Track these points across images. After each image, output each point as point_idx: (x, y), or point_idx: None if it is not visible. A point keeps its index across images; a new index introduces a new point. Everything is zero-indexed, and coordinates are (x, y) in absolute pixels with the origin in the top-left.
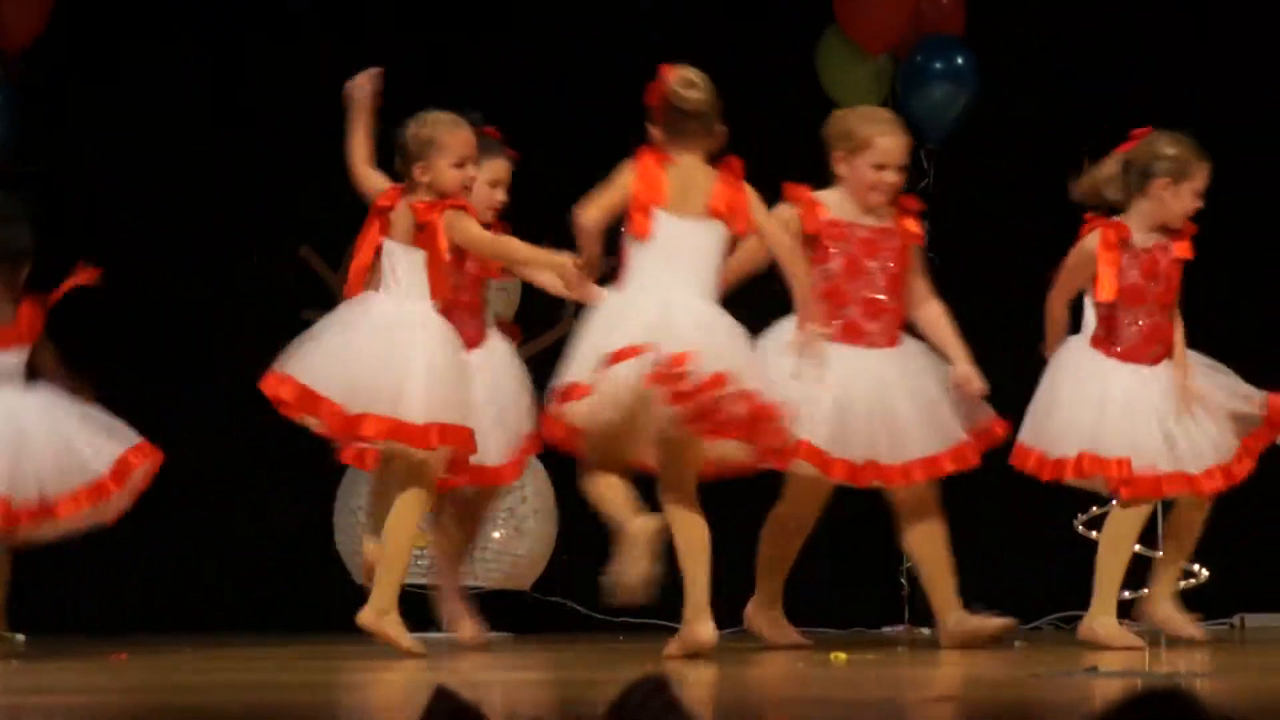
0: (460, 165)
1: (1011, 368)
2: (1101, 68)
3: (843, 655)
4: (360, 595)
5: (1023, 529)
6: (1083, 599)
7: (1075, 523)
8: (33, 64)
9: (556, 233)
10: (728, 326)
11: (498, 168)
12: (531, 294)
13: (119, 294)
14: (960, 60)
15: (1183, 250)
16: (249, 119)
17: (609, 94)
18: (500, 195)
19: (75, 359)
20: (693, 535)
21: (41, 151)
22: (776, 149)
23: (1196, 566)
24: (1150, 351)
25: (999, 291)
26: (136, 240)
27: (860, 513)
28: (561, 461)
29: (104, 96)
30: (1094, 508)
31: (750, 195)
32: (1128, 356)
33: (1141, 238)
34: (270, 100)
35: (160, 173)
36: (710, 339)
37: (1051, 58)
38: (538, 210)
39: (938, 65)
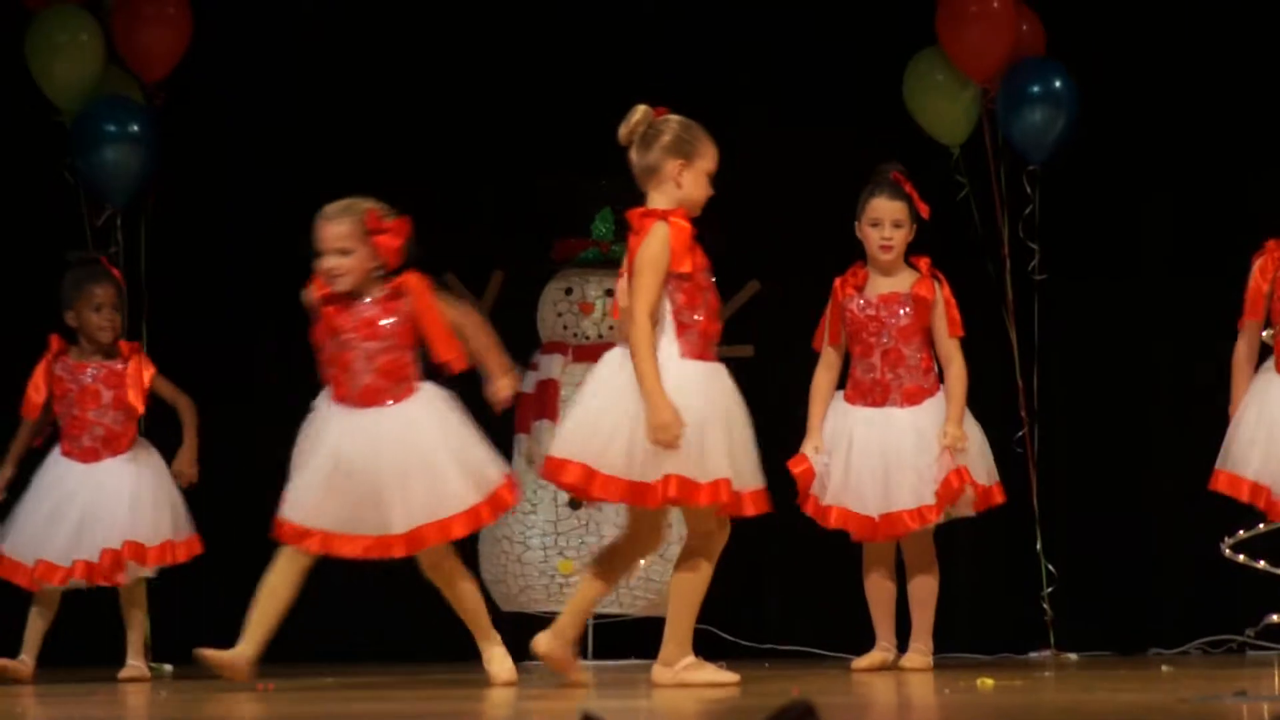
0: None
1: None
2: (1197, 81)
3: (990, 681)
4: (502, 623)
5: (1170, 553)
6: (1228, 623)
7: (1222, 546)
8: (172, 92)
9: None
10: None
11: None
12: None
13: (261, 317)
14: (1058, 83)
15: None
16: (387, 147)
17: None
18: None
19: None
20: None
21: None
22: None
23: None
24: None
25: (1108, 311)
26: (275, 271)
27: (1003, 539)
28: None
29: (242, 123)
30: (1240, 531)
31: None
32: None
33: None
34: (407, 128)
35: (297, 198)
36: None
37: (1143, 76)
38: None
39: (1035, 89)
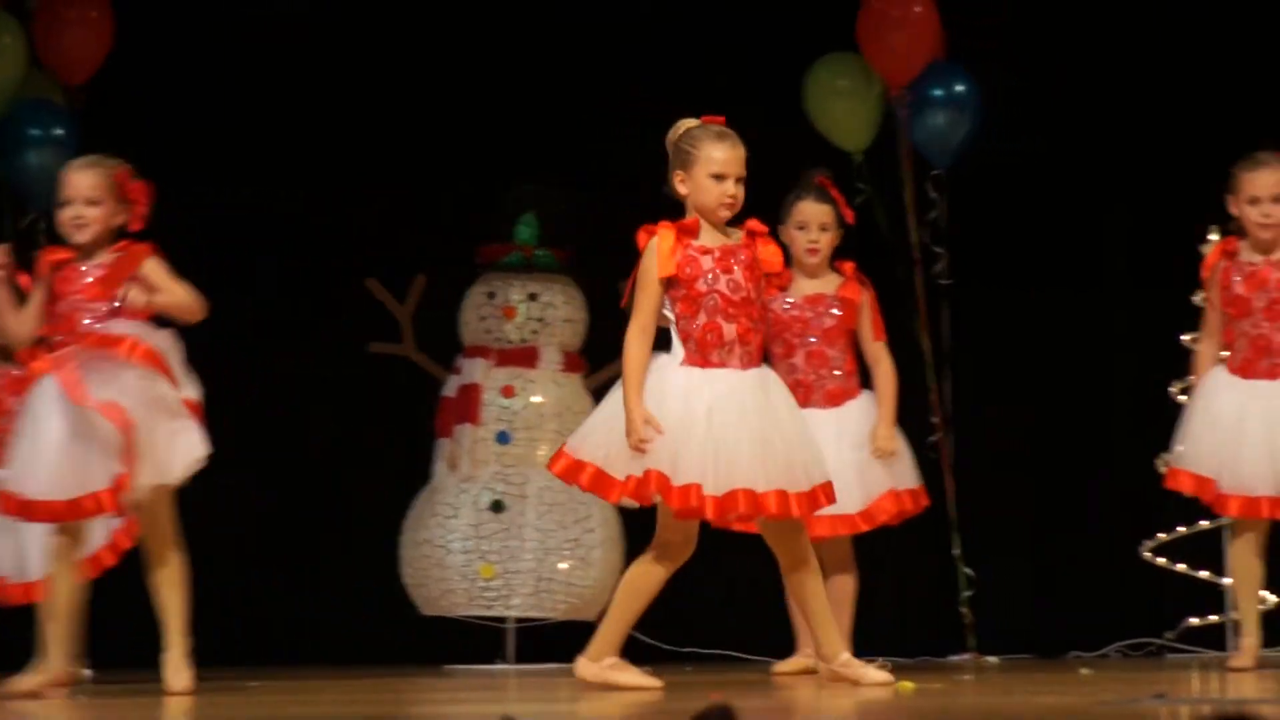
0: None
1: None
2: (1105, 83)
3: (909, 684)
4: (423, 626)
5: (1089, 557)
6: (1148, 626)
7: (1142, 549)
8: (94, 95)
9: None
10: None
11: None
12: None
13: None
14: (961, 87)
15: None
16: (310, 149)
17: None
18: None
19: None
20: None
21: None
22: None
23: (1267, 594)
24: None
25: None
26: (195, 271)
27: (921, 543)
28: None
29: (163, 127)
30: (1160, 534)
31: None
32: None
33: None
34: (330, 131)
35: (220, 202)
36: None
37: (1048, 79)
38: None
39: (939, 93)
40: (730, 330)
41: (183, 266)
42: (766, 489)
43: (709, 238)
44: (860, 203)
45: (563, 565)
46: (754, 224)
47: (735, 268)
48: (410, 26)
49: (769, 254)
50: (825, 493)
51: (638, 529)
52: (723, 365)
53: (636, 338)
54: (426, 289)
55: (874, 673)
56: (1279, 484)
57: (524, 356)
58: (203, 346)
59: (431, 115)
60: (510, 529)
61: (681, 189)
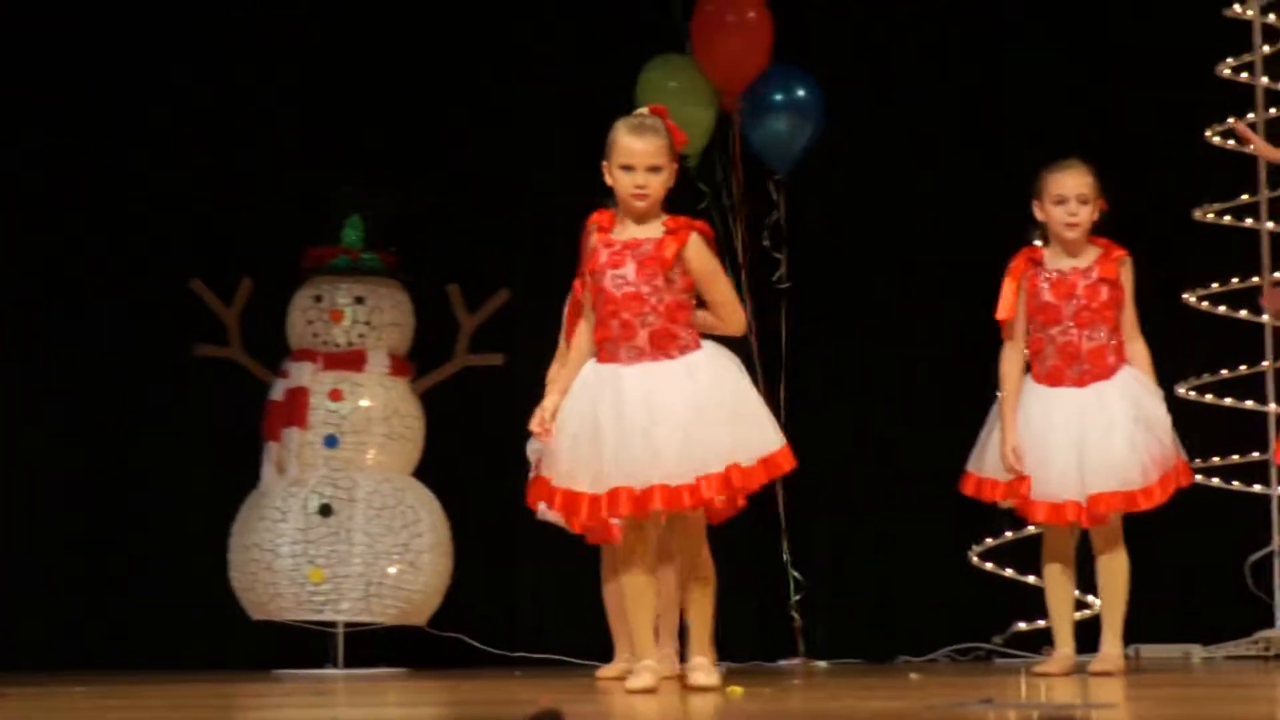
0: None
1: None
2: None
3: (738, 689)
4: (251, 631)
5: (918, 561)
6: (976, 630)
7: (970, 554)
8: None
9: None
10: None
11: None
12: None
13: (54, 332)
14: (802, 92)
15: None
16: (137, 147)
17: None
18: None
19: None
20: None
21: None
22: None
23: (1090, 598)
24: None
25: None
26: (17, 271)
27: (750, 547)
28: (456, 496)
29: None
30: (988, 538)
31: None
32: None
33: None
34: (157, 130)
35: (46, 202)
36: None
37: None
38: None
39: (779, 97)
40: (614, 326)
41: (63, 271)
42: (645, 485)
43: (620, 231)
44: (703, 206)
45: (392, 570)
46: (677, 220)
47: (629, 262)
48: (241, 24)
49: (694, 250)
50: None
51: (466, 534)
52: (612, 360)
53: (583, 323)
54: (253, 292)
55: (702, 676)
56: (1084, 491)
57: (351, 360)
58: (26, 345)
59: (259, 114)
60: (339, 533)
61: (608, 179)
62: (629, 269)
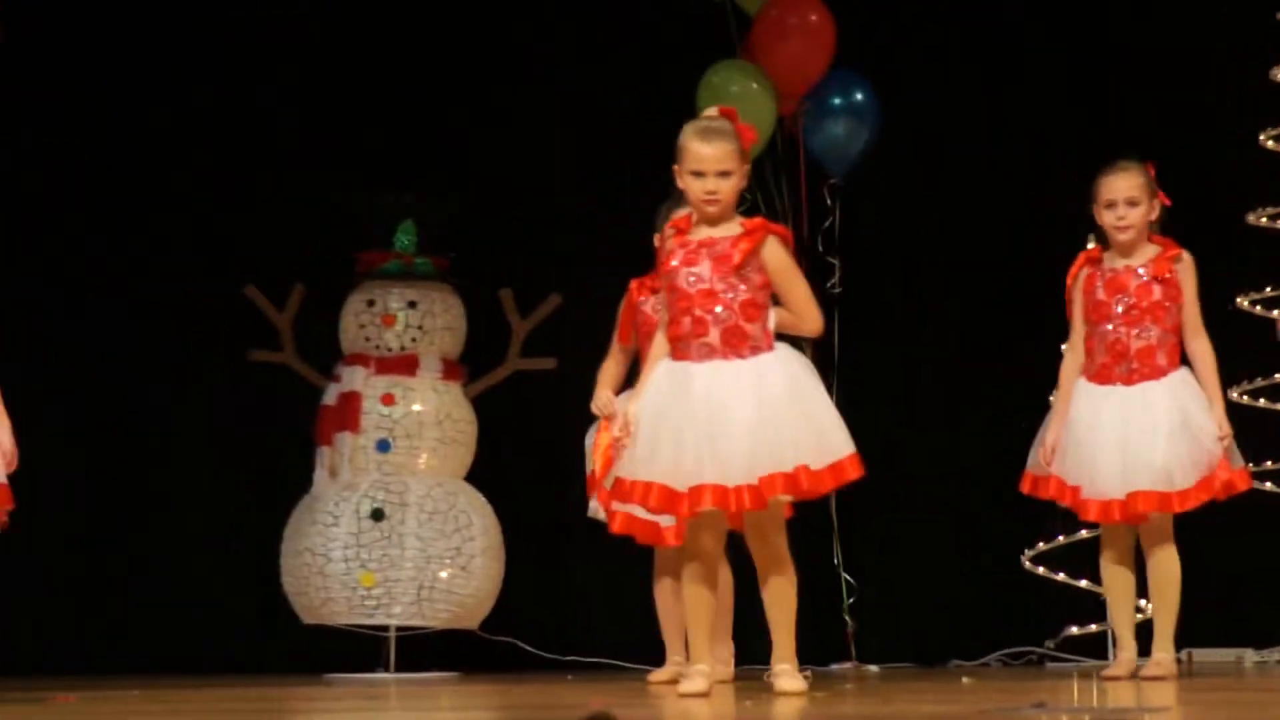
0: None
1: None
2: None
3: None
4: (304, 635)
5: (971, 565)
6: (1029, 634)
7: (1023, 558)
8: None
9: None
10: None
11: None
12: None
13: (55, 333)
14: (860, 96)
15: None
16: (189, 155)
17: None
18: None
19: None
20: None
21: None
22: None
23: (1143, 602)
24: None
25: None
26: (73, 277)
27: (803, 551)
28: (508, 500)
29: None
30: (1040, 543)
31: None
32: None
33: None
34: (208, 137)
35: (100, 209)
36: None
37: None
38: None
39: (837, 101)
40: (686, 324)
41: (64, 272)
42: (710, 482)
43: (697, 232)
44: (745, 209)
45: (443, 574)
46: (753, 221)
47: (704, 260)
48: (292, 32)
49: (770, 251)
50: (766, 485)
51: (517, 538)
52: (684, 359)
53: (660, 331)
54: (306, 297)
55: (786, 681)
56: (1128, 488)
57: (403, 364)
58: (83, 355)
59: (312, 121)
60: (391, 537)
61: (680, 184)
62: (704, 266)
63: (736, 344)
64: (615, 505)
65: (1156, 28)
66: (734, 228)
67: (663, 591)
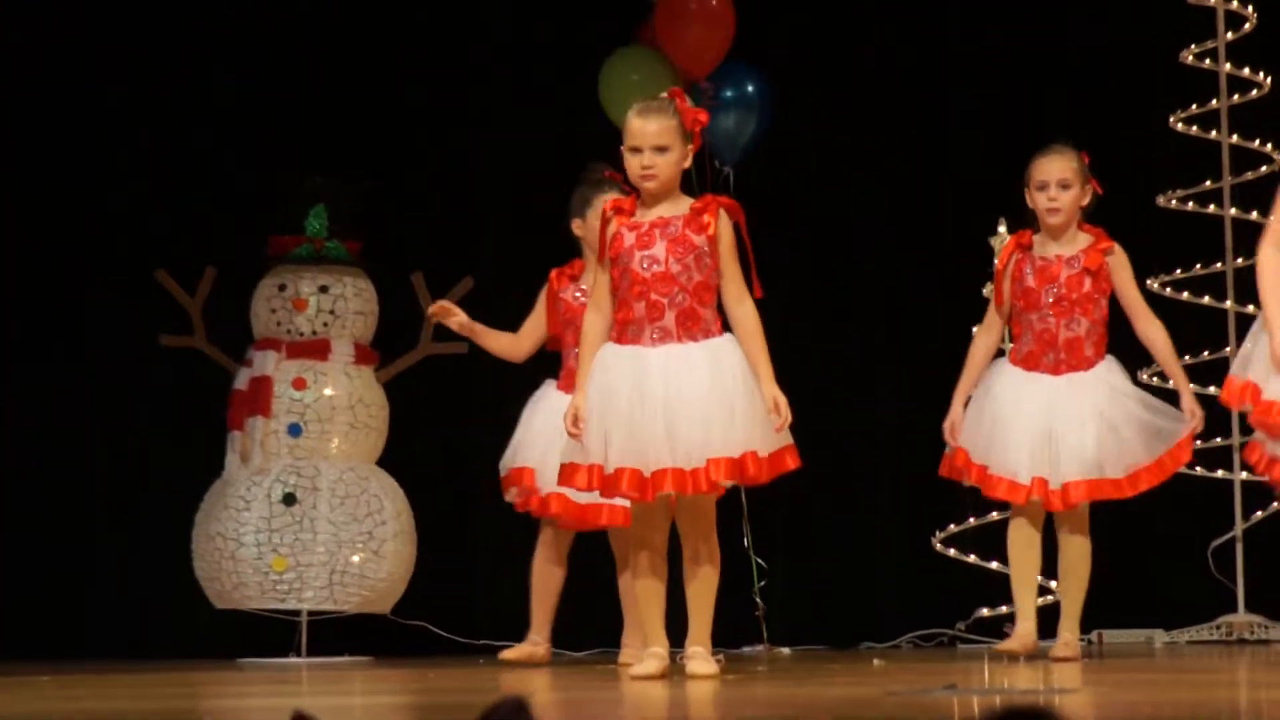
0: None
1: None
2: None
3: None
4: (215, 619)
5: (882, 547)
6: (940, 617)
7: (933, 540)
8: None
9: None
10: None
11: None
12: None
13: None
14: (751, 87)
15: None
16: (102, 138)
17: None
18: None
19: None
20: None
21: None
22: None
23: (1053, 584)
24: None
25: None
26: None
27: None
28: (420, 485)
29: None
30: (951, 525)
31: None
32: None
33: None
34: (118, 120)
35: (11, 194)
36: None
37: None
38: None
39: (729, 93)
40: (640, 308)
41: None
42: (657, 468)
43: (644, 213)
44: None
45: (355, 558)
46: (704, 198)
47: (659, 242)
48: (203, 15)
49: (724, 224)
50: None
51: (429, 523)
52: (634, 343)
53: (590, 313)
54: (217, 281)
55: (699, 664)
56: (1048, 469)
57: (315, 349)
58: None
59: (222, 105)
60: (302, 522)
61: (625, 165)
62: (659, 248)
63: (691, 327)
64: (556, 488)
65: (1064, 12)
66: (683, 206)
67: (537, 568)
